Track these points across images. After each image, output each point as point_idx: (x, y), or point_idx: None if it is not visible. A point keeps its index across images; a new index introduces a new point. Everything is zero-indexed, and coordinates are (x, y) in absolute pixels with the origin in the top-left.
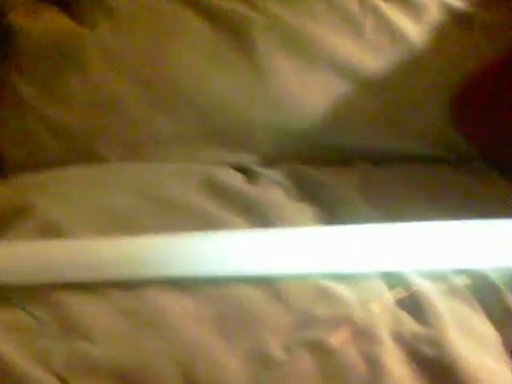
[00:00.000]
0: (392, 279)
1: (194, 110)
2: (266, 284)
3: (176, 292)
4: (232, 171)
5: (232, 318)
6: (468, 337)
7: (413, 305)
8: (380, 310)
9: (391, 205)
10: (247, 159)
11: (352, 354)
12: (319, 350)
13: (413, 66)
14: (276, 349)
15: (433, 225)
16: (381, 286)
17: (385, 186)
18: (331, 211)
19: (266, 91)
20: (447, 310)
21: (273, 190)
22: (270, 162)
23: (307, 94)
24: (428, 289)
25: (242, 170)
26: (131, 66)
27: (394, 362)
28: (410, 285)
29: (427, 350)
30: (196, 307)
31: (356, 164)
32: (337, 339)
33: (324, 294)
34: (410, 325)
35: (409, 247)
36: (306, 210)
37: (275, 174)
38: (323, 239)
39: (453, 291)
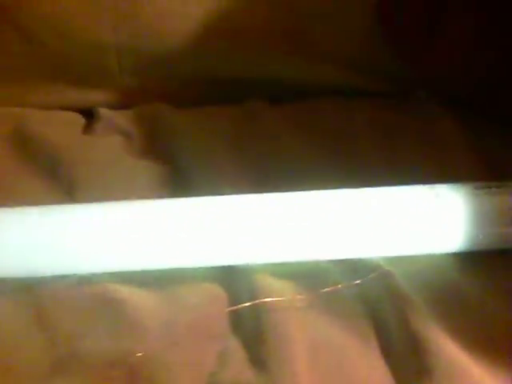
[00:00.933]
0: (233, 280)
1: (20, 33)
2: None
3: None
4: (71, 117)
5: None
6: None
7: (248, 327)
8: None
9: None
10: (99, 99)
11: None
12: None
13: None
14: None
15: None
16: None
17: (276, 133)
18: (187, 171)
19: (118, 3)
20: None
21: (108, 140)
22: (130, 102)
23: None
24: (280, 298)
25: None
26: None
27: None
28: (253, 290)
29: None
30: None
31: (247, 102)
32: None
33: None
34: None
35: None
36: (149, 168)
37: (120, 117)
38: (159, 216)
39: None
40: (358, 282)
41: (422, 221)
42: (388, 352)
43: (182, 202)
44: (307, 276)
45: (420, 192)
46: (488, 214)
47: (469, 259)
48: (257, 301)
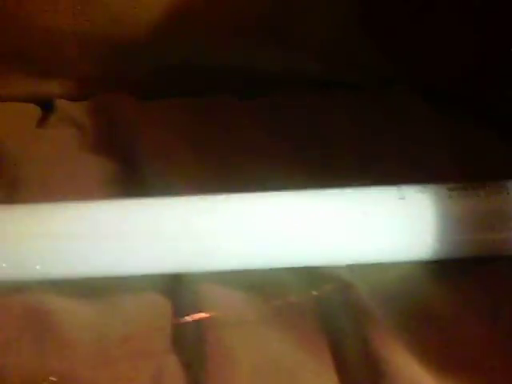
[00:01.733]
0: (178, 290)
1: None
2: None
3: None
4: (27, 109)
5: None
6: None
7: (190, 344)
8: None
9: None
10: (58, 89)
11: None
12: None
13: None
14: None
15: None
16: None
17: (242, 127)
18: (142, 168)
19: None
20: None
21: (60, 133)
22: (90, 93)
23: None
24: (227, 311)
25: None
26: None
27: None
28: (198, 301)
29: None
30: None
31: (214, 94)
32: None
33: None
34: None
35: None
36: (101, 165)
37: (76, 109)
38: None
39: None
40: (314, 293)
41: (385, 226)
42: (343, 372)
43: (123, 203)
44: (259, 286)
45: (384, 193)
46: (462, 218)
47: (440, 268)
48: (201, 314)
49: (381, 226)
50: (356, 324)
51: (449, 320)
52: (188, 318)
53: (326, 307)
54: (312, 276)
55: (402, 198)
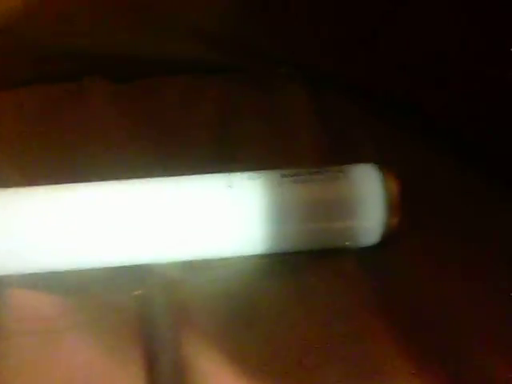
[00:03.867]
0: None
1: None
2: None
3: None
4: None
5: None
6: None
7: None
8: None
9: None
10: None
11: None
12: None
13: None
14: None
15: None
16: None
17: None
18: None
19: None
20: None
21: None
22: None
23: None
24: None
25: None
26: None
27: None
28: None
29: None
30: None
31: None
32: None
33: None
34: None
35: None
36: None
37: None
38: None
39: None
40: (136, 293)
41: (211, 217)
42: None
43: None
44: (75, 289)
45: (211, 182)
46: (295, 207)
47: (276, 262)
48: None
49: (205, 217)
50: (174, 327)
51: (274, 321)
52: None
53: (148, 308)
54: (136, 274)
55: (230, 186)
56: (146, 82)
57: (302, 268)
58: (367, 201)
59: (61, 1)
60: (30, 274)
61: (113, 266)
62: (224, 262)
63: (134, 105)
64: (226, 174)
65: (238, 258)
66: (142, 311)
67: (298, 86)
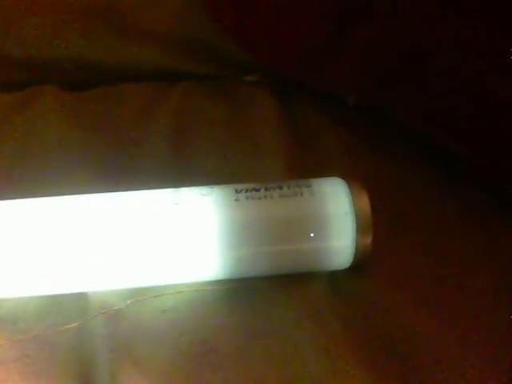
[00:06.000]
0: None
1: None
2: None
3: None
4: None
5: None
6: None
7: None
8: None
9: None
10: None
11: None
12: None
13: None
14: None
15: None
16: None
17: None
18: None
19: None
20: None
21: None
22: None
23: None
24: None
25: None
26: None
27: None
28: None
29: None
30: None
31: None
32: None
33: None
34: None
35: None
36: None
37: None
38: None
39: None
40: (73, 325)
41: (156, 239)
42: None
43: None
44: (4, 319)
45: (156, 198)
46: (250, 226)
47: (232, 290)
48: None
49: (149, 239)
50: (114, 365)
51: (231, 360)
52: None
53: (85, 343)
54: (72, 304)
55: (177, 203)
56: (104, 90)
57: (262, 297)
58: (335, 219)
59: (12, 6)
60: None
61: (45, 294)
62: (172, 290)
63: (87, 114)
64: (174, 190)
65: (188, 285)
66: (78, 346)
67: (266, 93)
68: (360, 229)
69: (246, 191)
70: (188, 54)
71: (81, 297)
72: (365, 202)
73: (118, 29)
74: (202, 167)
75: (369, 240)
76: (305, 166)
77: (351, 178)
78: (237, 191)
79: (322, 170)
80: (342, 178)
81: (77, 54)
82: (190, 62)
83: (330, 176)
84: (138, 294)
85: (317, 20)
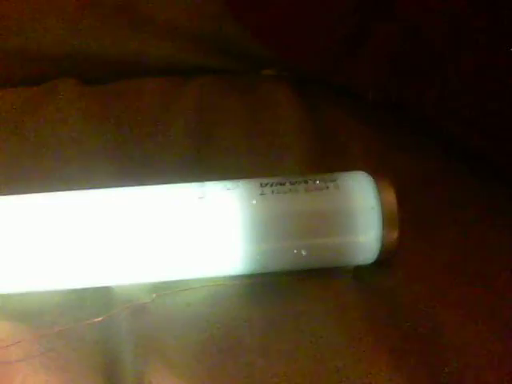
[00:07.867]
0: None
1: None
2: None
3: None
4: None
5: None
6: None
7: None
8: None
9: None
10: None
11: None
12: None
13: None
14: None
15: None
16: None
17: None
18: None
19: None
20: None
21: None
22: None
23: None
24: None
25: None
26: None
27: None
28: None
29: None
30: None
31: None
32: None
33: None
34: None
35: None
36: None
37: None
38: None
39: None
40: (98, 319)
41: (181, 234)
42: None
43: None
44: (26, 314)
45: (181, 193)
46: (275, 220)
47: (257, 285)
48: None
49: (174, 233)
50: (139, 359)
51: (256, 353)
52: None
53: (110, 337)
54: (97, 298)
55: (202, 197)
56: (123, 84)
57: (288, 291)
58: (362, 213)
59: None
60: None
61: (71, 288)
62: (197, 284)
63: (107, 108)
64: (199, 184)
65: (213, 279)
66: (103, 340)
67: (286, 88)
68: (386, 223)
69: (272, 185)
70: (204, 48)
71: (106, 291)
72: (391, 196)
73: (134, 23)
74: (225, 162)
75: (395, 235)
76: (326, 161)
77: (376, 172)
78: (262, 185)
79: (344, 164)
80: (367, 172)
81: (93, 48)
82: (206, 55)
83: (354, 170)
84: (163, 288)
85: (338, 14)
